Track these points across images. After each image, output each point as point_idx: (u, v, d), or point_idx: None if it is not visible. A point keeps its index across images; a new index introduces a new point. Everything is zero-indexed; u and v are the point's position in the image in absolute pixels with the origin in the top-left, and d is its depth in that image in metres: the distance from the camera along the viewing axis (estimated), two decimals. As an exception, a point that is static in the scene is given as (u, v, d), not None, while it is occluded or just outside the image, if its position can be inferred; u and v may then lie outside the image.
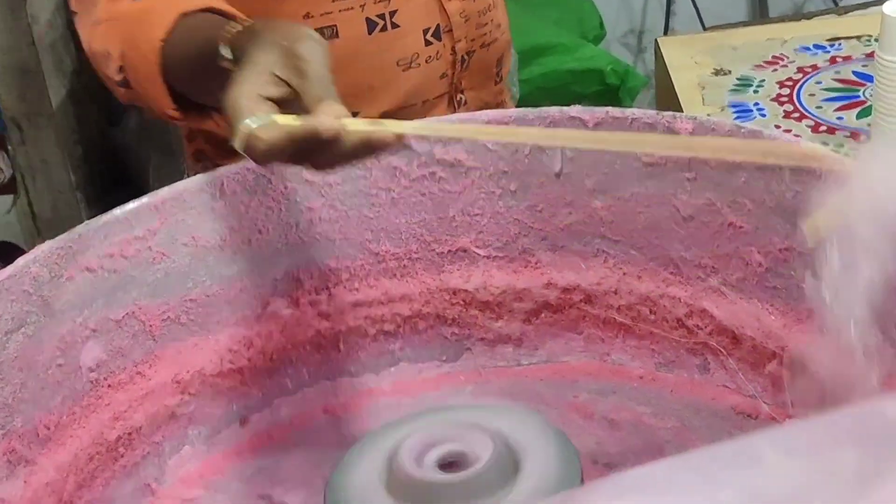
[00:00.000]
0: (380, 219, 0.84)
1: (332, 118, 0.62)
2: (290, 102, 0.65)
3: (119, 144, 1.76)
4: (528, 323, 0.86)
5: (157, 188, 0.78)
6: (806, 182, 0.70)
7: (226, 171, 0.80)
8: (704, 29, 2.24)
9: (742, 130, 0.73)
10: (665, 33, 2.43)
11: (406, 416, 0.67)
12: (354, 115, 1.13)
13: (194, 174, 1.11)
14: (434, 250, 0.85)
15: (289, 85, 0.65)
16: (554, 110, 0.79)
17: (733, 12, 2.44)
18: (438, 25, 0.97)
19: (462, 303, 0.86)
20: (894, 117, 1.03)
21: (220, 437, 0.83)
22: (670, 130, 0.76)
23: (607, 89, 2.09)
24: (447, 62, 0.98)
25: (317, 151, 0.63)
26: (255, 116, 0.63)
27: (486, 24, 1.01)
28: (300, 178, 0.81)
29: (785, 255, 0.74)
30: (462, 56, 1.00)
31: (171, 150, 1.63)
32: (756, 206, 0.74)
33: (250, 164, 0.79)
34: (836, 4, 2.18)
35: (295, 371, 0.85)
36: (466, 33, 1.00)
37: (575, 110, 0.79)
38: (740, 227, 0.75)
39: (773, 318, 0.76)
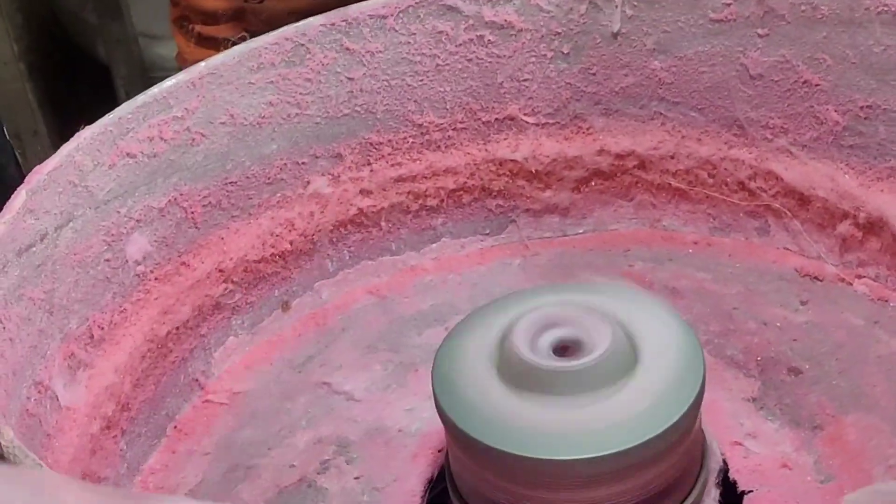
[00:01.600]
0: (424, 88, 0.78)
1: None
2: None
3: (62, 10, 1.65)
4: (577, 191, 0.83)
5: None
6: (900, 36, 0.67)
7: (263, 41, 0.73)
8: None
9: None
10: None
11: (514, 294, 0.63)
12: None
13: (178, 40, 1.04)
14: (480, 119, 0.80)
15: None
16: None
17: None
18: None
19: (509, 173, 0.82)
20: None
21: (263, 325, 0.79)
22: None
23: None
24: None
25: None
26: None
27: None
28: (340, 47, 0.76)
29: (867, 112, 0.71)
30: None
31: (119, 13, 1.53)
32: (837, 62, 0.71)
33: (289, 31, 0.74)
34: None
35: (335, 252, 0.81)
36: None
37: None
38: (817, 84, 0.72)
39: (848, 177, 0.73)
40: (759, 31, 0.73)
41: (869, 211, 0.73)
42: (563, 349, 0.59)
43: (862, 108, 0.71)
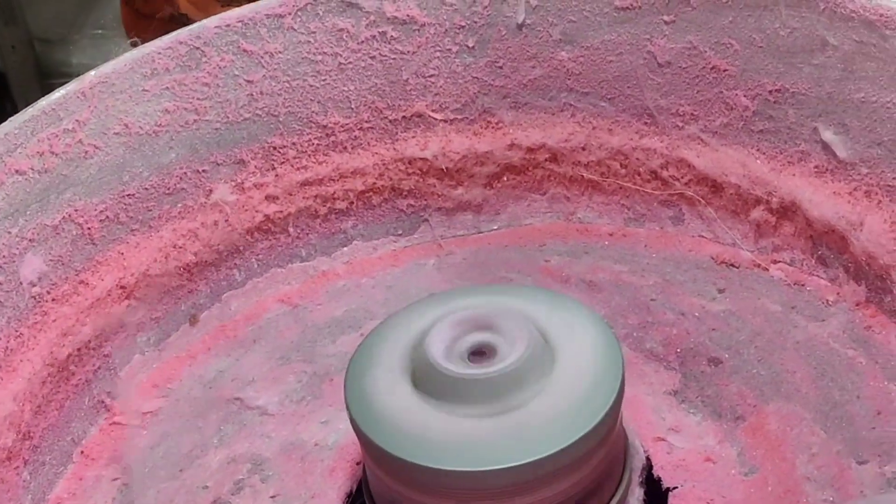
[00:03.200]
0: (327, 88, 0.76)
1: None
2: None
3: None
4: (490, 187, 0.81)
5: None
6: (805, 17, 0.66)
7: (156, 46, 0.70)
8: None
9: (730, -35, 0.68)
10: None
11: (427, 299, 0.61)
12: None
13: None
14: (387, 118, 0.78)
15: None
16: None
17: None
18: None
19: (419, 172, 0.80)
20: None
21: (170, 341, 0.76)
22: (648, -30, 0.71)
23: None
24: None
25: None
26: None
27: None
28: (237, 49, 0.73)
29: (776, 96, 0.70)
30: None
31: (14, 17, 1.48)
32: (744, 47, 0.70)
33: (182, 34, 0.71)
34: None
35: (243, 261, 0.79)
36: None
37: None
38: (725, 70, 0.71)
39: (760, 162, 0.73)
40: (665, 17, 0.72)
41: (782, 196, 0.72)
42: (479, 355, 0.57)
43: (771, 92, 0.70)
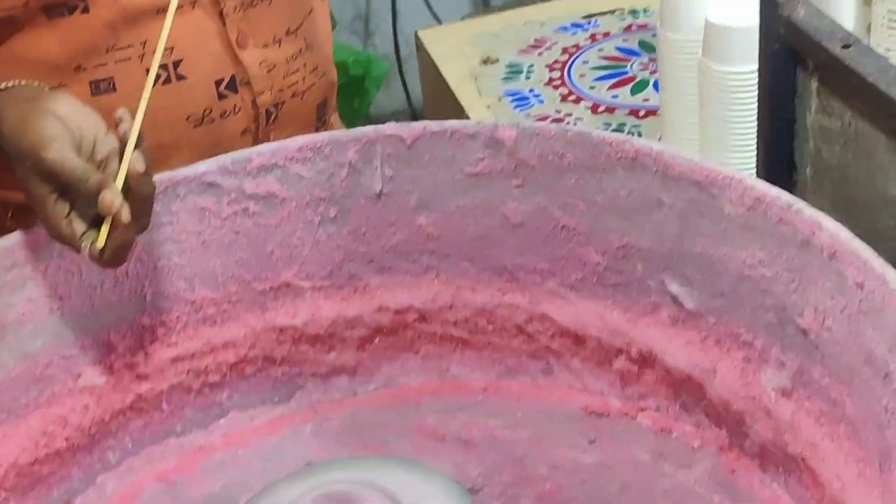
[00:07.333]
0: (192, 265, 0.77)
1: (115, 203, 0.65)
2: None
3: None
4: (362, 350, 0.82)
5: None
6: (641, 179, 0.70)
7: (15, 239, 0.71)
8: (431, 10, 2.25)
9: (568, 133, 0.71)
10: (393, 16, 2.40)
11: (290, 476, 0.62)
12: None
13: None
14: (255, 289, 0.79)
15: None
16: (369, 130, 0.76)
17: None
18: (233, 77, 0.87)
19: (290, 340, 0.81)
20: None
21: (44, 528, 0.75)
22: (494, 140, 0.74)
23: (352, 81, 2.06)
24: (248, 116, 0.89)
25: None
26: (81, 240, 0.67)
27: (297, 70, 0.91)
28: (99, 235, 0.74)
29: (623, 252, 0.73)
30: (267, 109, 0.90)
31: None
32: (589, 207, 0.73)
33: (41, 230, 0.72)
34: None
35: (117, 442, 0.78)
36: (271, 84, 0.88)
37: (391, 127, 0.76)
38: (574, 228, 0.74)
39: (616, 314, 0.75)
40: (514, 181, 0.75)
41: (640, 346, 0.74)
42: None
43: (618, 248, 0.73)
